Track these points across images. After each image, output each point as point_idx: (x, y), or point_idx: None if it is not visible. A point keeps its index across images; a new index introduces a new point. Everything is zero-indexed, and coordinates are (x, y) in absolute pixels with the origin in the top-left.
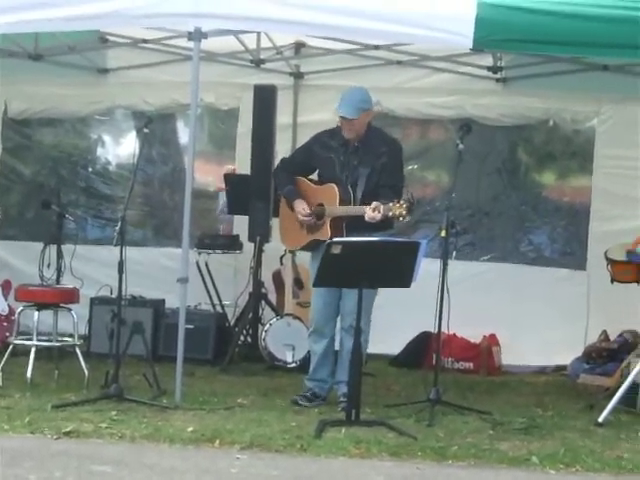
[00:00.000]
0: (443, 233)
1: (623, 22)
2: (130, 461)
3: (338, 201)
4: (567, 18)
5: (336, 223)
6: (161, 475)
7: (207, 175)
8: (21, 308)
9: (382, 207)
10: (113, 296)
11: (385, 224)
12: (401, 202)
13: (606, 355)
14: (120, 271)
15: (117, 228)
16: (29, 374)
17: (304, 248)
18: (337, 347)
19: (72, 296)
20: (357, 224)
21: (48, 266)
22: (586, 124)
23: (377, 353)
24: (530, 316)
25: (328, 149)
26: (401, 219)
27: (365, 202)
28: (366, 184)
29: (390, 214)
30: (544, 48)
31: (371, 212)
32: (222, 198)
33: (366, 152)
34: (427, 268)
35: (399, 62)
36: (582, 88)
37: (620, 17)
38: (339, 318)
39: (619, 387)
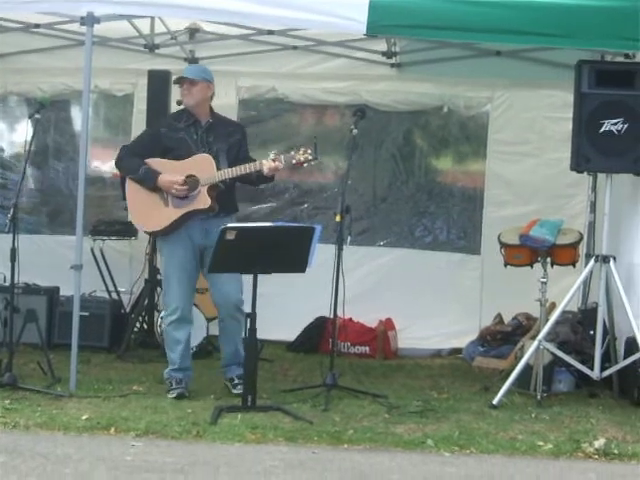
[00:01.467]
0: (338, 218)
1: (514, 7)
2: (24, 450)
3: (215, 168)
4: (460, 3)
5: (212, 192)
6: (55, 463)
7: (102, 162)
8: None
9: (282, 156)
10: (6, 284)
11: (235, 206)
12: (303, 148)
13: (500, 338)
14: (12, 259)
15: (9, 215)
16: None
17: (175, 223)
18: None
19: None
20: (219, 201)
21: None
22: (480, 109)
23: (274, 339)
24: (426, 300)
25: (177, 130)
26: (306, 165)
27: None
28: (227, 159)
29: (294, 162)
30: (437, 34)
31: (271, 163)
32: None
33: (218, 130)
34: (323, 253)
35: (294, 47)
36: (475, 74)
37: (511, 3)
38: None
39: (513, 369)
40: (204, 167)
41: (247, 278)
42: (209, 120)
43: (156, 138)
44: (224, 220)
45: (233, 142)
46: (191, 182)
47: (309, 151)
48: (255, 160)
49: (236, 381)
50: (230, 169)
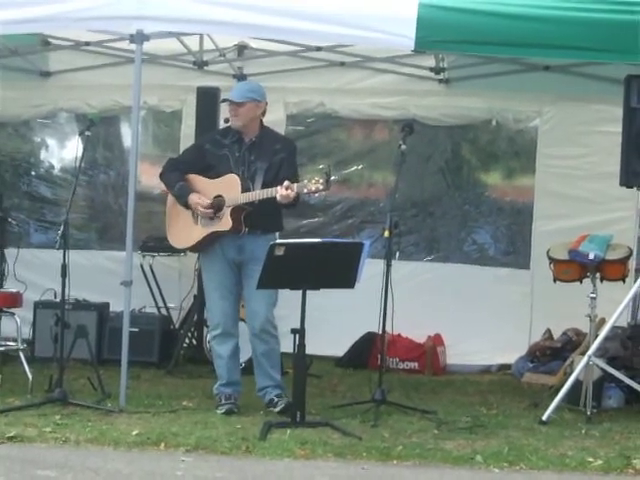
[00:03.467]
0: (386, 233)
1: (562, 22)
2: (74, 465)
3: (240, 189)
4: (508, 19)
5: (236, 214)
6: (106, 479)
7: (152, 178)
8: None
9: (295, 185)
10: (57, 300)
11: (275, 224)
12: (316, 178)
13: (550, 353)
14: (63, 275)
15: (60, 232)
16: None
17: (200, 243)
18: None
19: (15, 300)
20: (253, 220)
21: None
22: (528, 124)
23: (322, 354)
24: (474, 315)
25: (221, 147)
26: (317, 195)
27: None
28: (264, 178)
29: (305, 190)
30: (485, 49)
31: (284, 190)
32: None
33: (262, 148)
34: (371, 269)
35: (342, 63)
36: (524, 88)
37: (560, 18)
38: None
39: (563, 385)
40: (231, 188)
41: (296, 294)
42: (252, 138)
43: (200, 153)
44: (260, 238)
45: (275, 161)
46: (217, 203)
47: (321, 181)
48: (298, 179)
49: (276, 400)
50: (250, 193)
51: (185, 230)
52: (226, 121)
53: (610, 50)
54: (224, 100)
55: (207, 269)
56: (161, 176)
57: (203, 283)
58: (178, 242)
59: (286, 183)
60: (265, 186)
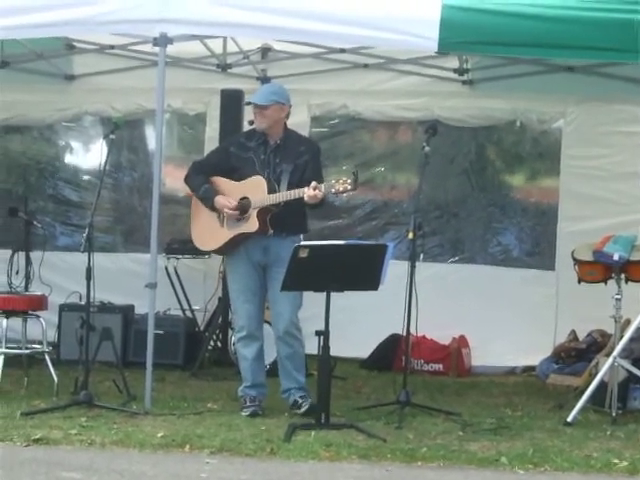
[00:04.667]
0: (410, 235)
1: (586, 23)
2: (100, 467)
3: (267, 191)
4: (531, 20)
5: (262, 215)
6: None
7: (176, 180)
8: None
9: (323, 185)
10: (82, 303)
11: (301, 226)
12: (344, 178)
13: (575, 355)
14: (88, 277)
15: (85, 234)
16: None
17: (227, 245)
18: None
19: (41, 303)
20: (279, 222)
21: (17, 273)
22: (553, 125)
23: (347, 356)
24: (499, 317)
25: (246, 149)
26: (345, 195)
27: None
28: (290, 180)
29: (333, 191)
30: (509, 50)
31: (311, 191)
32: None
33: (286, 150)
34: (395, 270)
35: (365, 65)
36: (548, 89)
37: (583, 18)
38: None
39: (588, 386)
40: (257, 189)
41: (320, 296)
42: (277, 141)
43: (225, 156)
44: (286, 240)
45: (300, 163)
46: (243, 205)
47: (349, 181)
48: (313, 182)
49: (300, 401)
50: (277, 194)
51: (211, 232)
52: (250, 123)
53: (634, 51)
54: (248, 103)
55: (232, 271)
56: (186, 179)
57: (228, 285)
58: (204, 244)
59: (313, 184)
60: (291, 188)
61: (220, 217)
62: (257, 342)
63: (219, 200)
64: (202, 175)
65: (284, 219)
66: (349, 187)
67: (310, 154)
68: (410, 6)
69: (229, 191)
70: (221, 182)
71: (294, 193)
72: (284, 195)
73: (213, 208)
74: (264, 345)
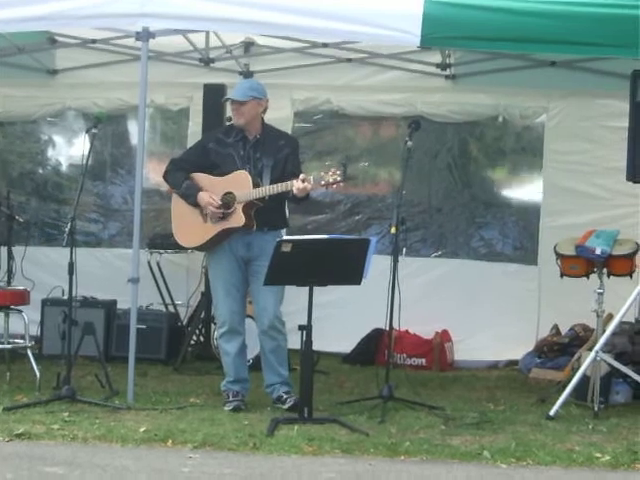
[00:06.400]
0: (393, 230)
1: (569, 18)
2: (82, 462)
3: (251, 185)
4: (514, 14)
5: (248, 210)
6: (113, 475)
7: (159, 175)
8: None
9: (311, 177)
10: (64, 297)
11: (282, 221)
12: (333, 169)
13: (557, 349)
14: (70, 272)
15: (67, 229)
16: None
17: (212, 240)
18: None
19: (23, 298)
20: (261, 216)
21: None
22: (535, 120)
23: (330, 351)
24: (482, 311)
25: (225, 145)
26: (335, 186)
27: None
28: (271, 175)
29: (323, 182)
30: (492, 45)
31: (300, 183)
32: None
33: (266, 145)
34: (378, 265)
35: (349, 60)
36: (531, 84)
37: (566, 13)
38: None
39: (570, 381)
40: (241, 184)
41: (303, 290)
42: (257, 136)
43: (204, 153)
44: (268, 234)
45: (280, 157)
46: (227, 200)
47: (338, 172)
48: (301, 174)
49: (285, 397)
50: (263, 188)
51: (194, 229)
52: (228, 120)
53: (617, 45)
54: (226, 99)
55: (214, 266)
56: (165, 176)
57: (210, 280)
58: (187, 241)
59: (302, 176)
60: (273, 182)
61: (203, 213)
62: (239, 337)
63: (203, 197)
64: (182, 172)
65: (266, 214)
66: (339, 178)
67: (290, 148)
68: (393, 1)
69: (211, 186)
70: (201, 178)
71: (282, 186)
72: (271, 189)
73: (195, 204)
74: (246, 340)
